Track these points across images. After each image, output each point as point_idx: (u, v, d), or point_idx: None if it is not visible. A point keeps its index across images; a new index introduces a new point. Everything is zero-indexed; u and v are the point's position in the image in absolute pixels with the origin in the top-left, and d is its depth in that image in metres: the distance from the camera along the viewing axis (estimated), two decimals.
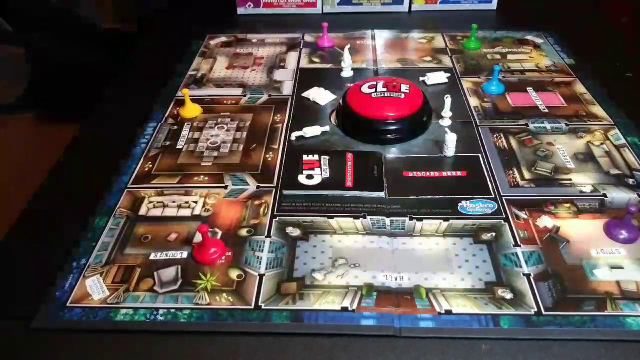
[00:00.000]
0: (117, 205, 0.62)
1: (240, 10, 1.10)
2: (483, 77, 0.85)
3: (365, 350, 0.47)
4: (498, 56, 0.92)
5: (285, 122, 0.76)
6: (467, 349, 0.46)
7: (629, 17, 1.08)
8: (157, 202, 0.62)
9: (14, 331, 0.49)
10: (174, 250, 0.56)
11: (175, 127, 0.75)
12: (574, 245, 0.55)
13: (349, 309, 0.49)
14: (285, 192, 0.63)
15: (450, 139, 0.67)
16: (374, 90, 0.72)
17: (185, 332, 0.48)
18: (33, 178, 0.69)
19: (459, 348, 0.46)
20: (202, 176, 0.66)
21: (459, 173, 0.65)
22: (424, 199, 0.61)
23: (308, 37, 0.99)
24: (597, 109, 0.76)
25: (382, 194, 0.62)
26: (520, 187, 0.63)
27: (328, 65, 0.90)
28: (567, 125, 0.73)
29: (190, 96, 0.78)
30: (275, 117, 0.77)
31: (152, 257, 0.55)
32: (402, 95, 0.72)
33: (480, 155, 0.68)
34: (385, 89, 0.72)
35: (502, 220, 0.58)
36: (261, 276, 0.53)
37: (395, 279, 0.52)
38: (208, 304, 0.50)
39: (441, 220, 0.58)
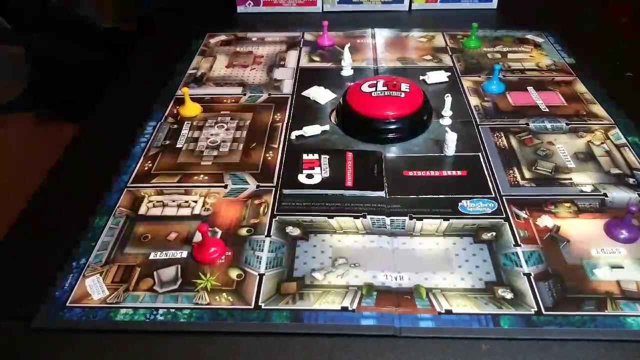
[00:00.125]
0: (117, 205, 0.62)
1: (240, 9, 1.10)
2: (483, 76, 0.85)
3: (365, 350, 0.46)
4: (498, 55, 0.91)
5: (285, 121, 0.75)
6: (467, 349, 0.46)
7: (629, 17, 1.08)
8: (157, 202, 0.62)
9: (14, 331, 0.49)
10: (174, 249, 0.56)
11: (175, 126, 0.75)
12: (574, 245, 0.55)
13: (349, 308, 0.49)
14: (285, 191, 0.63)
15: (451, 139, 0.67)
16: (374, 89, 0.72)
17: (185, 332, 0.48)
18: (33, 178, 0.69)
19: (459, 348, 0.46)
20: (202, 175, 0.66)
21: (459, 172, 0.65)
22: (424, 199, 0.61)
23: (308, 36, 0.99)
24: (598, 109, 0.76)
25: (382, 194, 0.62)
26: (520, 187, 0.63)
27: (328, 64, 0.90)
28: (567, 124, 0.73)
29: (190, 95, 0.78)
30: (275, 116, 0.77)
31: (152, 256, 0.55)
32: (403, 95, 0.71)
33: (480, 154, 0.68)
34: (385, 88, 0.72)
35: (502, 220, 0.58)
36: (261, 276, 0.53)
37: (396, 278, 0.52)
38: (208, 304, 0.50)
39: (441, 220, 0.58)
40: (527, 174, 0.65)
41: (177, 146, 0.71)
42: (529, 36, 0.97)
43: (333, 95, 0.80)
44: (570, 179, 0.64)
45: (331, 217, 0.59)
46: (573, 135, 0.71)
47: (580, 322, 0.48)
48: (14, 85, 1.53)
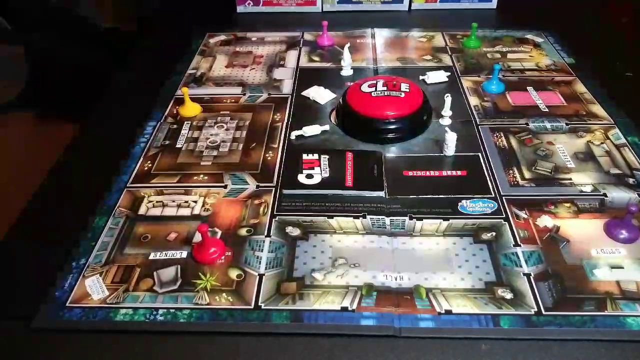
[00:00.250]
0: (117, 205, 0.62)
1: (239, 9, 1.10)
2: (483, 76, 0.85)
3: (365, 350, 0.46)
4: (498, 55, 0.91)
5: (285, 121, 0.75)
6: (467, 349, 0.46)
7: (629, 17, 1.08)
8: (157, 202, 0.62)
9: (14, 331, 0.49)
10: (174, 250, 0.56)
11: (175, 126, 0.75)
12: (574, 245, 0.55)
13: (349, 309, 0.49)
14: (285, 191, 0.63)
15: (451, 139, 0.67)
16: (374, 89, 0.72)
17: (185, 332, 0.48)
18: (33, 178, 0.69)
19: (459, 348, 0.46)
20: (201, 175, 0.66)
21: (459, 172, 0.65)
22: (424, 199, 0.61)
23: (308, 36, 0.99)
24: (598, 109, 0.76)
25: (382, 194, 0.62)
26: (520, 187, 0.63)
27: (328, 64, 0.90)
28: (567, 124, 0.73)
29: (189, 95, 0.78)
30: (275, 116, 0.77)
31: (151, 257, 0.55)
32: (402, 95, 0.71)
33: (480, 154, 0.68)
34: (385, 88, 0.72)
35: (502, 220, 0.58)
36: (261, 276, 0.53)
37: (395, 278, 0.52)
38: (208, 304, 0.50)
39: (441, 220, 0.58)
40: (527, 174, 0.65)
41: (177, 146, 0.71)
42: (529, 36, 0.97)
43: (333, 95, 0.80)
44: (570, 179, 0.64)
45: (331, 217, 0.59)
46: (573, 135, 0.71)
47: (580, 322, 0.48)
48: (13, 85, 1.53)
